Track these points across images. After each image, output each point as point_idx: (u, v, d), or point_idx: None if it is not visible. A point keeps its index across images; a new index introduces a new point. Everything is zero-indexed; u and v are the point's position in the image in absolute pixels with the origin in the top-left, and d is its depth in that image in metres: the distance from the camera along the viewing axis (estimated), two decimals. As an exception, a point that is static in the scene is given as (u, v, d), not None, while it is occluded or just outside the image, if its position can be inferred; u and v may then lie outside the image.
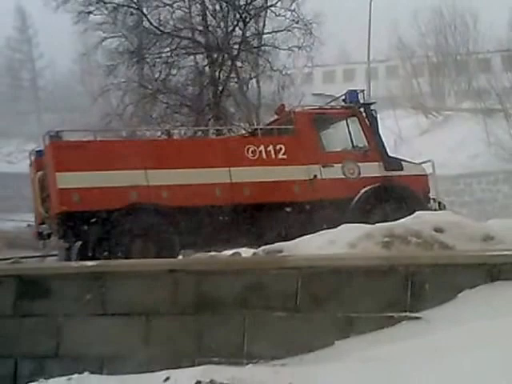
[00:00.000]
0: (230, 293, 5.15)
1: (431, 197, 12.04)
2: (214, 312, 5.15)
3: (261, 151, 11.35)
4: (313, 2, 21.22)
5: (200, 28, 20.97)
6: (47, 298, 5.60)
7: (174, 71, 20.96)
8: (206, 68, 20.88)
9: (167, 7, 20.72)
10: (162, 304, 5.30)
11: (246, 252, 7.55)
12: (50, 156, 10.74)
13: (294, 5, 20.72)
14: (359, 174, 11.70)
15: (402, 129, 33.76)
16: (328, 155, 11.80)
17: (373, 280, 4.82)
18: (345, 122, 12.11)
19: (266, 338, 4.93)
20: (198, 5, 20.95)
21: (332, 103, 13.42)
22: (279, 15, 20.86)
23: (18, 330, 5.60)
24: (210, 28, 20.91)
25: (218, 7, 20.91)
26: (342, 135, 12.29)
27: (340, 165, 11.64)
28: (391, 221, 6.18)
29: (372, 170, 11.76)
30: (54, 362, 5.34)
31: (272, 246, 6.48)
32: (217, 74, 20.51)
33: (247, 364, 4.63)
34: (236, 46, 20.63)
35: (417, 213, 6.72)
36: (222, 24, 20.76)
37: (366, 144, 11.98)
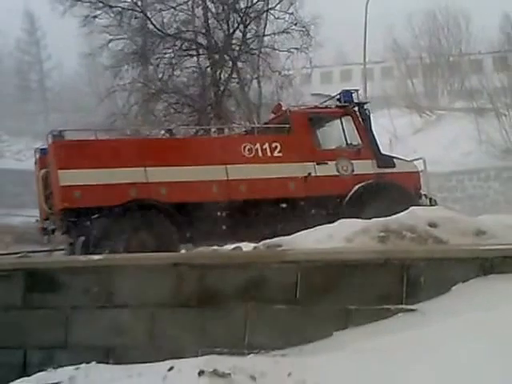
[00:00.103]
0: (231, 286, 5.14)
1: (423, 193, 12.04)
2: (217, 304, 5.14)
3: (257, 149, 11.36)
4: (311, 6, 21.24)
5: (202, 30, 20.97)
6: (55, 290, 5.59)
7: (177, 72, 20.98)
8: (208, 69, 20.87)
9: (171, 10, 20.73)
10: (167, 296, 5.29)
11: (247, 246, 7.53)
12: (53, 154, 10.77)
13: (292, 8, 20.77)
14: (353, 171, 11.70)
15: (396, 127, 33.74)
16: (322, 153, 11.81)
17: (369, 273, 4.81)
18: (339, 120, 12.12)
19: (267, 329, 4.93)
20: (200, 8, 20.96)
21: (327, 102, 13.40)
22: (278, 18, 20.89)
23: (28, 321, 5.60)
24: (212, 30, 20.90)
25: (219, 10, 20.90)
26: (337, 133, 12.30)
27: (334, 162, 11.63)
28: (383, 216, 6.16)
29: (365, 167, 11.76)
30: (62, 352, 5.33)
31: (272, 240, 6.46)
32: (218, 74, 20.52)
33: (248, 354, 4.62)
34: (237, 48, 20.63)
35: (411, 208, 6.70)
36: (223, 26, 20.75)
37: (360, 142, 11.98)
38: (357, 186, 11.46)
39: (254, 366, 4.04)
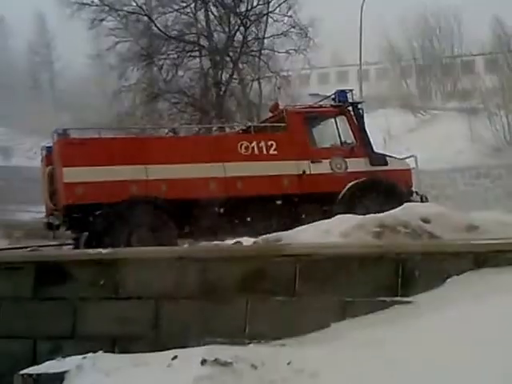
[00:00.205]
0: (233, 278, 5.14)
1: (414, 190, 12.03)
2: (219, 296, 5.14)
3: (253, 147, 11.33)
4: (309, 9, 21.24)
5: (204, 33, 20.97)
6: (64, 282, 5.59)
7: (180, 73, 20.97)
8: (210, 70, 20.87)
9: (174, 13, 20.72)
10: (171, 288, 5.29)
11: (247, 241, 7.52)
12: (57, 152, 10.76)
13: (291, 11, 20.77)
14: (346, 168, 11.67)
15: (391, 127, 33.76)
16: (317, 151, 11.78)
17: (366, 267, 4.81)
18: (333, 119, 12.10)
19: (267, 320, 4.92)
20: (202, 11, 20.94)
21: (323, 102, 13.38)
22: (276, 20, 20.89)
23: (38, 312, 5.60)
24: (214, 33, 20.91)
25: (221, 13, 20.90)
26: (331, 132, 12.27)
27: (328, 160, 11.62)
28: (376, 212, 6.14)
29: (358, 165, 11.73)
30: (71, 342, 5.34)
31: (271, 235, 6.45)
32: (219, 75, 20.51)
33: (249, 344, 4.62)
34: (237, 50, 20.62)
35: (405, 204, 6.70)
36: (224, 29, 20.75)
37: (353, 140, 11.96)
38: (350, 184, 11.43)
39: (255, 356, 4.03)
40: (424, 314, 4.12)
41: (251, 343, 4.64)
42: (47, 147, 11.51)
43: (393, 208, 6.29)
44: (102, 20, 20.23)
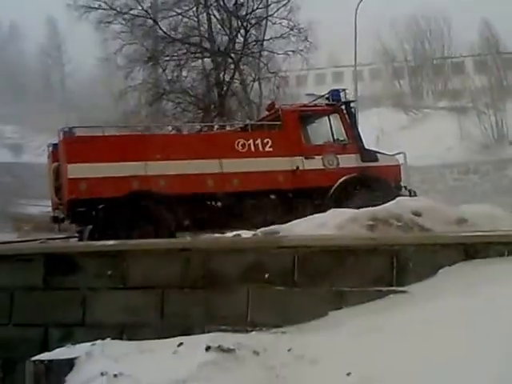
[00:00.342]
0: (234, 269, 5.12)
1: (403, 185, 12.03)
2: (221, 286, 5.13)
3: (249, 144, 11.33)
4: (306, 12, 21.22)
5: (206, 35, 20.94)
6: (73, 273, 5.58)
7: (183, 74, 20.94)
8: (212, 71, 20.83)
9: (178, 16, 20.69)
10: (175, 278, 5.27)
11: (246, 234, 7.51)
12: (63, 149, 10.75)
13: (289, 14, 20.75)
14: (338, 164, 11.66)
15: (384, 125, 33.74)
16: (310, 148, 11.77)
17: (361, 258, 4.79)
18: (327, 118, 12.09)
19: (268, 308, 4.91)
20: (204, 14, 20.91)
21: (317, 101, 13.35)
22: (275, 23, 20.88)
23: (48, 301, 5.59)
24: (216, 35, 20.88)
25: (223, 16, 20.88)
26: (325, 130, 12.25)
27: (321, 156, 11.61)
28: (366, 207, 6.12)
29: (350, 161, 11.72)
30: (80, 330, 5.33)
31: (269, 228, 6.43)
32: (221, 76, 20.48)
33: (251, 331, 4.61)
34: (238, 51, 20.60)
35: (398, 198, 6.66)
36: (226, 31, 20.72)
37: (346, 138, 11.95)
38: (341, 179, 11.43)
39: (257, 342, 4.03)
40: (418, 302, 4.11)
41: (253, 331, 4.63)
42: (53, 144, 11.50)
43: (382, 202, 6.27)
44: (108, 23, 20.20)
